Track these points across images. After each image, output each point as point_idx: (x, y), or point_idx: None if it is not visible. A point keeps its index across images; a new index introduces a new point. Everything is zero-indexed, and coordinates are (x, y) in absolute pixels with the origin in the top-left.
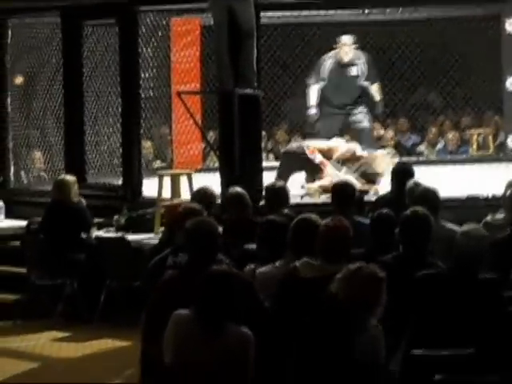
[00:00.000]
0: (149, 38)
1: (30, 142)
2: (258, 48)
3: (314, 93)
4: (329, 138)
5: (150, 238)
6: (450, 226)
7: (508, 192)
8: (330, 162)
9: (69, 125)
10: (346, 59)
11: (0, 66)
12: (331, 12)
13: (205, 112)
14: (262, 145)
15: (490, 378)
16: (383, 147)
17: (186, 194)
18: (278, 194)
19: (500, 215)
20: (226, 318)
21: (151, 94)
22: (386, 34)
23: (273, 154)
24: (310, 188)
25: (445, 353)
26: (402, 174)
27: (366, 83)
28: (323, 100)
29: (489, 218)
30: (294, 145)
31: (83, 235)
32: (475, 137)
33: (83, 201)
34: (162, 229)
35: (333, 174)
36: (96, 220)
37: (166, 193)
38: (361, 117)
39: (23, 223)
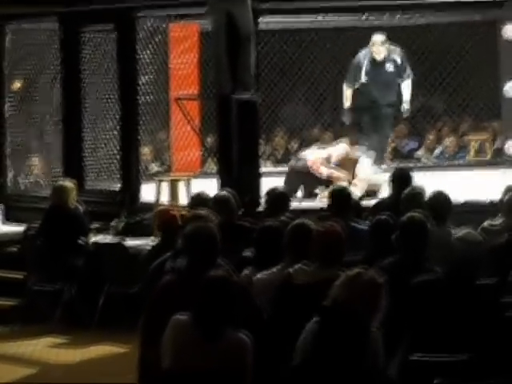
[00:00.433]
0: (147, 43)
1: (28, 147)
2: (256, 53)
3: (348, 96)
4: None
5: (148, 243)
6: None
7: (506, 197)
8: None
9: (67, 130)
10: (378, 58)
11: None
12: (329, 17)
13: (203, 117)
14: (260, 150)
15: (488, 383)
16: None
17: (184, 199)
18: (279, 199)
19: (498, 220)
20: (225, 323)
21: (149, 100)
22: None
23: (270, 159)
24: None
25: (443, 358)
26: (400, 179)
27: (400, 80)
28: (363, 99)
29: (486, 223)
30: (298, 163)
31: (81, 240)
32: (473, 142)
33: (81, 206)
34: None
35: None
36: (94, 225)
37: (165, 198)
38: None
39: (21, 228)
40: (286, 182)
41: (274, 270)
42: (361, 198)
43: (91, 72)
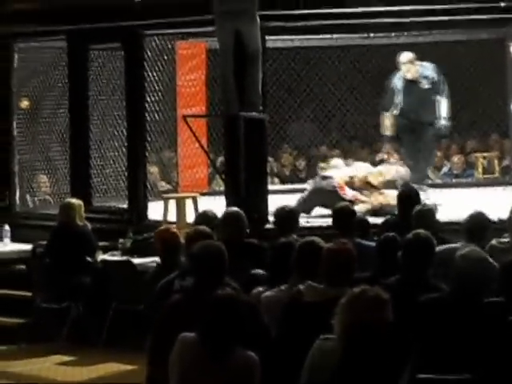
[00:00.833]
0: (154, 61)
1: (35, 165)
2: (264, 72)
3: (388, 125)
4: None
5: (155, 262)
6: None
7: None
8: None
9: (74, 148)
10: (410, 76)
11: (6, 89)
12: (336, 36)
13: (210, 135)
14: (268, 168)
15: None
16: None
17: (191, 218)
18: (288, 217)
19: (506, 239)
20: (232, 341)
21: (157, 118)
22: (391, 57)
23: (278, 177)
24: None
25: (450, 377)
26: (408, 197)
27: (437, 96)
28: (402, 121)
29: (494, 241)
30: (323, 182)
31: (88, 258)
32: (481, 160)
33: (88, 224)
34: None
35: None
36: (102, 243)
37: (172, 216)
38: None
39: (29, 247)
40: (306, 200)
41: (282, 287)
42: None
43: (98, 90)
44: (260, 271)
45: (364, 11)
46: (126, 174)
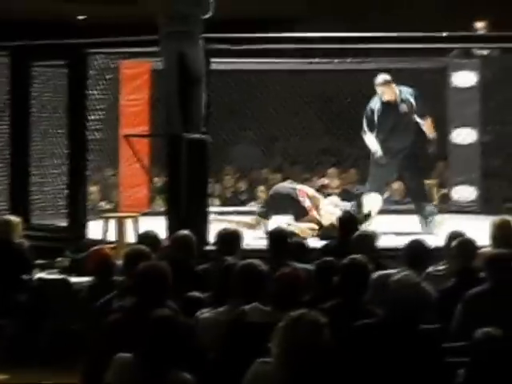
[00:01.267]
0: (98, 80)
1: None
2: (207, 93)
3: (371, 139)
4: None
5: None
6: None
7: (452, 243)
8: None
9: (14, 165)
10: (387, 98)
11: None
12: (279, 60)
13: (152, 156)
14: (209, 189)
15: None
16: (329, 195)
17: (131, 237)
18: (230, 239)
19: (442, 266)
20: (168, 363)
21: (99, 137)
22: (333, 83)
23: (219, 199)
24: (301, 228)
25: None
26: (346, 223)
27: (418, 119)
28: (383, 147)
29: (431, 268)
30: (285, 186)
31: (25, 276)
32: None
33: (26, 242)
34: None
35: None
36: (39, 261)
37: (112, 236)
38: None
39: None
40: (264, 206)
41: (221, 309)
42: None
43: (40, 107)
44: (196, 294)
45: (307, 36)
46: (66, 192)
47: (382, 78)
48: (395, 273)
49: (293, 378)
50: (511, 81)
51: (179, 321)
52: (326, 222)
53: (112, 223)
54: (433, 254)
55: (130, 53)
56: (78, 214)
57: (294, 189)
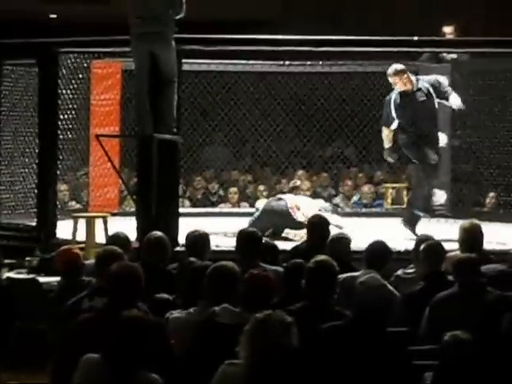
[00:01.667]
0: (69, 79)
1: None
2: (179, 94)
3: (386, 137)
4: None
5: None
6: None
7: (421, 247)
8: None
9: None
10: (401, 88)
11: None
12: (252, 61)
13: (123, 156)
14: (180, 190)
15: None
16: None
17: (101, 237)
18: (200, 241)
19: (411, 269)
20: (136, 363)
21: (69, 136)
22: (306, 85)
23: (190, 200)
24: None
25: None
26: (317, 225)
27: (442, 101)
28: (404, 135)
29: (401, 271)
30: (274, 203)
31: None
32: (390, 191)
33: None
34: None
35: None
36: (8, 261)
37: (81, 236)
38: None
39: None
40: (256, 220)
41: (191, 310)
42: None
43: (11, 105)
44: (165, 295)
45: (279, 38)
46: (36, 191)
47: (392, 68)
48: (360, 275)
49: (260, 380)
50: (481, 85)
51: (148, 321)
52: None
53: (82, 223)
54: (393, 256)
55: (101, 52)
56: (48, 214)
57: (287, 206)
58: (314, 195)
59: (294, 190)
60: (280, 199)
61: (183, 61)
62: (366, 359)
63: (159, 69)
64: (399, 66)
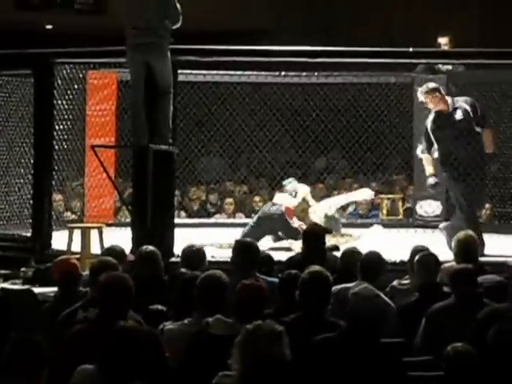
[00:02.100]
0: (65, 90)
1: None
2: (175, 105)
3: (427, 162)
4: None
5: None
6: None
7: (415, 258)
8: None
9: None
10: (435, 108)
11: None
12: (247, 72)
13: (119, 166)
14: (175, 201)
15: None
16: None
17: (96, 248)
18: (196, 257)
19: (406, 280)
20: (131, 374)
21: (65, 147)
22: (302, 96)
23: (185, 211)
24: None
25: None
26: (312, 236)
27: (478, 129)
28: (446, 159)
29: (396, 282)
30: (271, 208)
31: None
32: (385, 202)
33: None
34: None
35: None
36: (3, 271)
37: (76, 246)
38: None
39: None
40: (254, 227)
41: (185, 321)
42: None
43: (7, 116)
44: (159, 306)
45: (275, 49)
46: (31, 202)
47: (423, 87)
48: (354, 286)
49: None
50: (476, 96)
51: (143, 332)
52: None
53: (77, 234)
54: (388, 266)
55: (97, 63)
56: (43, 224)
57: (282, 212)
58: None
59: None
60: (275, 204)
61: (179, 71)
62: (360, 370)
63: (155, 79)
64: (431, 85)
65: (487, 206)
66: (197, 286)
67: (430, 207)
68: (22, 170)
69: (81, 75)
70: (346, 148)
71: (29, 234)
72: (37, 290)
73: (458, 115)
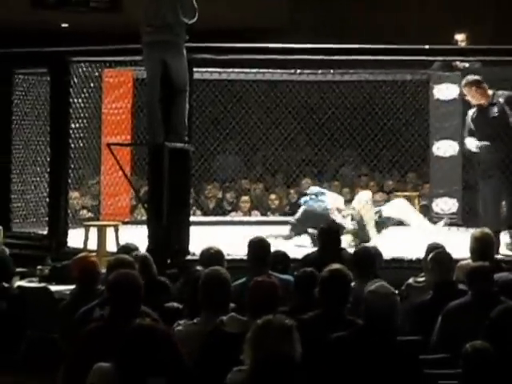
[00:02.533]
0: (81, 88)
1: None
2: (190, 103)
3: (469, 141)
4: None
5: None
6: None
7: (428, 256)
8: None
9: None
10: (473, 101)
11: None
12: (263, 70)
13: (134, 164)
14: (191, 199)
15: None
16: None
17: (112, 246)
18: (215, 259)
19: (422, 278)
20: (148, 372)
21: (81, 145)
22: (317, 94)
23: (201, 209)
24: None
25: None
26: (327, 233)
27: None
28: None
29: (412, 280)
30: (314, 204)
31: (5, 284)
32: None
33: (6, 249)
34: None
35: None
36: (19, 269)
37: (93, 244)
38: None
39: None
40: (298, 222)
41: (195, 321)
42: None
43: (23, 114)
44: (175, 304)
45: (291, 47)
46: (48, 200)
47: (464, 79)
48: (371, 284)
49: None
50: None
51: (159, 330)
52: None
53: (93, 232)
54: (376, 263)
55: (113, 61)
56: (59, 223)
57: (327, 208)
58: None
59: None
60: (318, 200)
61: (194, 69)
62: (376, 368)
63: (170, 77)
64: (471, 78)
65: (503, 203)
66: (199, 286)
67: (445, 205)
68: (39, 169)
69: (97, 73)
70: (361, 146)
71: (45, 232)
72: (53, 287)
73: (493, 112)
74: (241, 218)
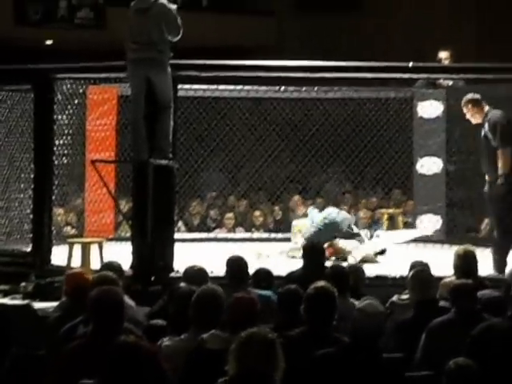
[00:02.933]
0: (65, 105)
1: None
2: (175, 120)
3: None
4: None
5: (57, 306)
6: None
7: (410, 273)
8: None
9: None
10: (471, 120)
11: None
12: (247, 87)
13: (119, 181)
14: (175, 216)
15: None
16: None
17: (96, 263)
18: (197, 276)
19: (406, 295)
20: None
21: (65, 161)
22: (301, 111)
23: (185, 225)
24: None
25: None
26: (312, 251)
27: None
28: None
29: (395, 297)
30: (338, 216)
31: None
32: (385, 216)
33: None
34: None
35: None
36: (2, 287)
37: (76, 261)
38: None
39: None
40: (321, 231)
41: (182, 337)
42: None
43: (7, 131)
44: (159, 321)
45: (275, 65)
46: (31, 217)
47: (465, 97)
48: (360, 301)
49: None
50: None
51: (144, 347)
52: None
53: (77, 248)
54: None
55: (97, 78)
56: (43, 240)
57: (349, 224)
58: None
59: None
60: (340, 213)
61: (179, 86)
62: None
63: (155, 94)
64: (469, 96)
65: (486, 220)
66: (192, 302)
67: (430, 222)
68: (22, 185)
69: (81, 90)
70: (345, 162)
71: (29, 249)
72: (37, 304)
73: (483, 131)
74: (225, 234)
